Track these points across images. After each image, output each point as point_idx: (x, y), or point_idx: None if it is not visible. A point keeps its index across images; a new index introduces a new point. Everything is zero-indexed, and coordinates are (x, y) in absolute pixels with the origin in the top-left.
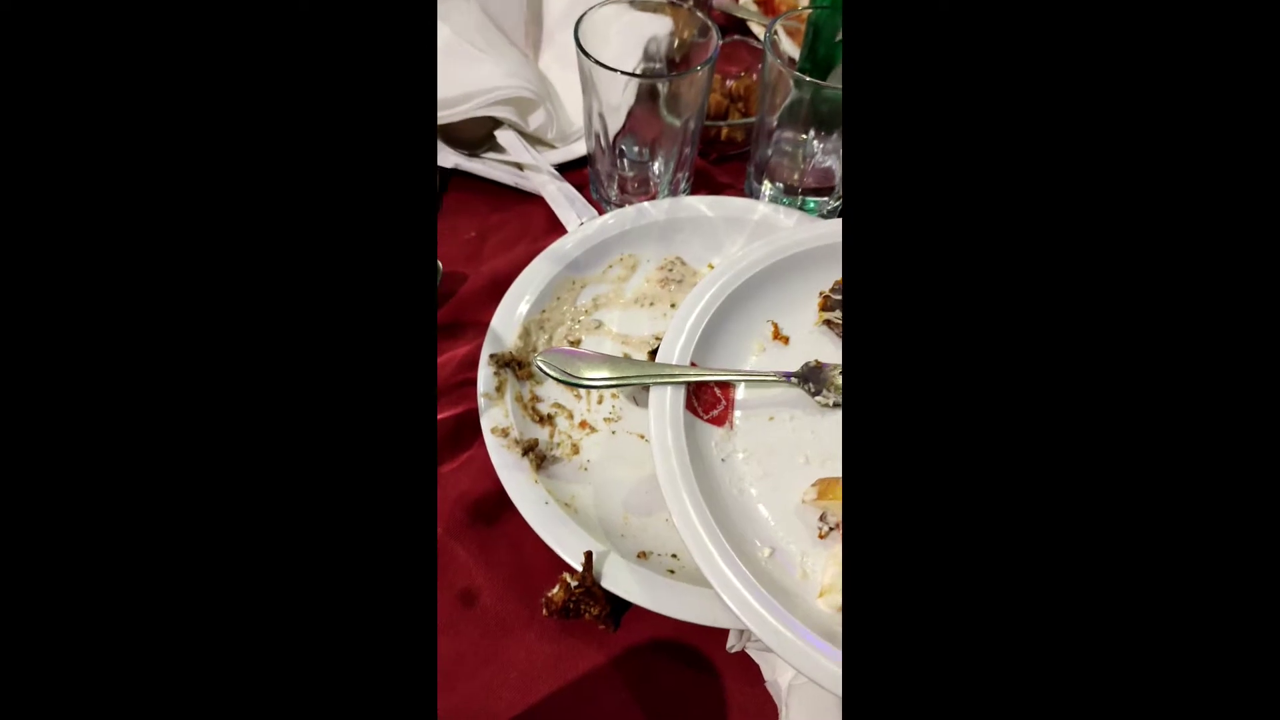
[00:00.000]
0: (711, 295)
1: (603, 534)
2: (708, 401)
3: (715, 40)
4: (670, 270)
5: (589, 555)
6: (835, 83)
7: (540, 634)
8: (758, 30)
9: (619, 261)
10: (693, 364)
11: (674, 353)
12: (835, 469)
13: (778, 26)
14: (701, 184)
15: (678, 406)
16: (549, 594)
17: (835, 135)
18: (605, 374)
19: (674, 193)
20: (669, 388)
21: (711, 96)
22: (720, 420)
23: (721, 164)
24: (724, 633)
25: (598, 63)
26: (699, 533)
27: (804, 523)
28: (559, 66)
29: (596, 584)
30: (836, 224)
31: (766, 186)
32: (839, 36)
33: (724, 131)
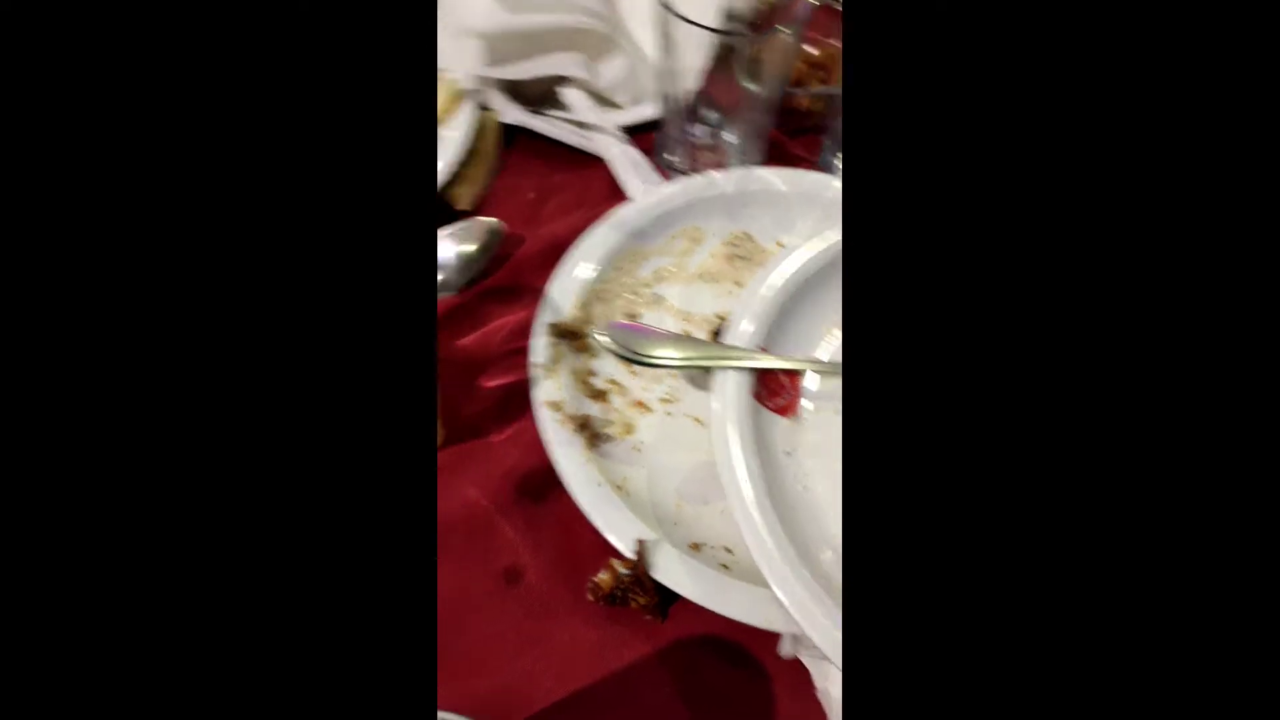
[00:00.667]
0: (788, 277)
1: (655, 521)
2: (774, 389)
3: (803, 1)
4: (737, 246)
5: (642, 544)
6: None
7: (585, 619)
8: None
9: (683, 233)
10: (761, 349)
11: (743, 335)
12: None
13: None
14: (775, 156)
15: (742, 393)
16: (596, 578)
17: None
18: (669, 352)
19: (746, 164)
20: (735, 372)
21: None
22: (786, 410)
23: (798, 136)
24: (776, 635)
25: (677, 14)
26: (759, 528)
27: None
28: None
29: (647, 573)
30: None
31: (840, 161)
32: None
33: (805, 101)
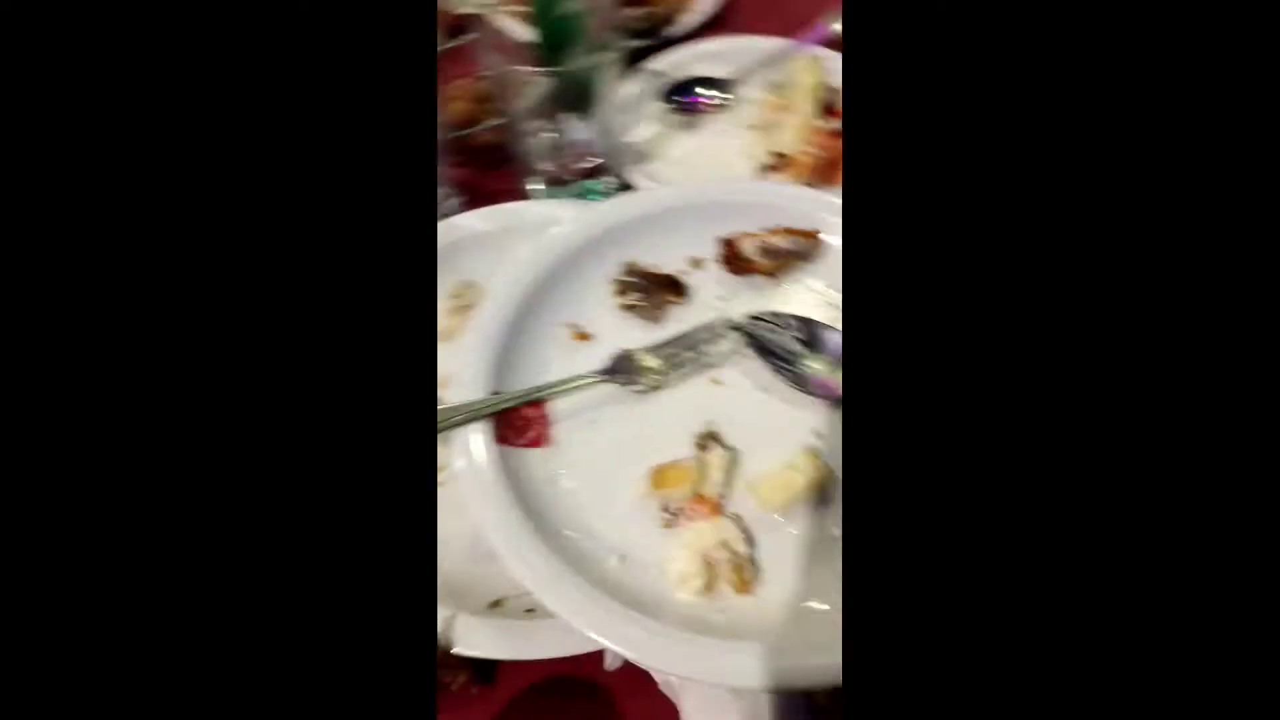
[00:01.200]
0: (493, 314)
1: (446, 597)
2: (518, 427)
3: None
4: (460, 297)
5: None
6: (570, 62)
7: None
8: (509, 25)
9: None
10: (494, 392)
11: (468, 388)
12: (665, 456)
13: (494, 13)
14: (477, 198)
15: (485, 443)
16: None
17: (587, 113)
18: None
19: (443, 215)
20: (470, 427)
21: (456, 104)
22: (537, 441)
23: (493, 171)
24: (598, 654)
25: None
26: (536, 569)
27: (647, 517)
28: None
29: (448, 653)
30: (606, 207)
31: (537, 184)
32: (563, 12)
33: (485, 136)
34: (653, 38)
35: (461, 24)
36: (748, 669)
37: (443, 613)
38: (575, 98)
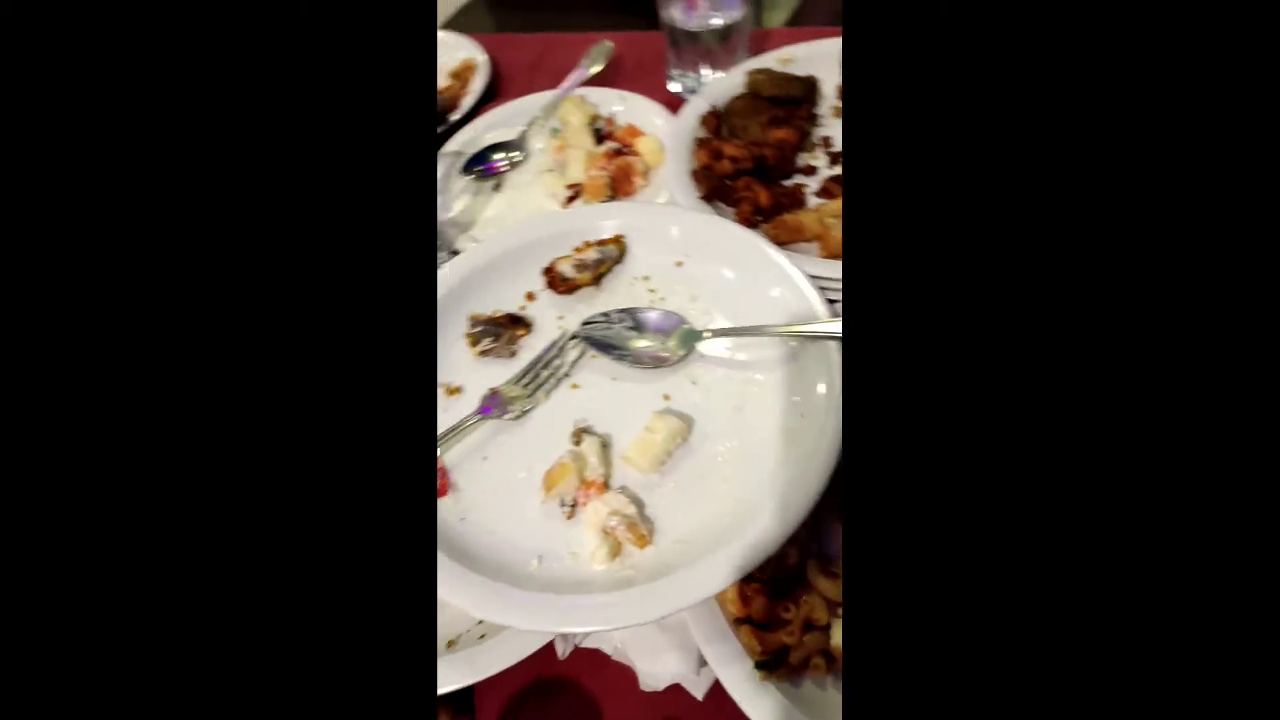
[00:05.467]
0: None
1: None
2: None
3: None
4: None
5: None
6: None
7: None
8: None
9: None
10: None
11: None
12: (552, 460)
13: None
14: None
15: None
16: None
17: None
18: None
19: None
20: None
21: None
22: (442, 491)
23: None
24: (552, 653)
25: None
26: (473, 595)
27: (552, 518)
28: None
29: None
30: (443, 273)
31: None
32: None
33: None
34: (442, 125)
35: None
36: (661, 602)
37: None
38: None
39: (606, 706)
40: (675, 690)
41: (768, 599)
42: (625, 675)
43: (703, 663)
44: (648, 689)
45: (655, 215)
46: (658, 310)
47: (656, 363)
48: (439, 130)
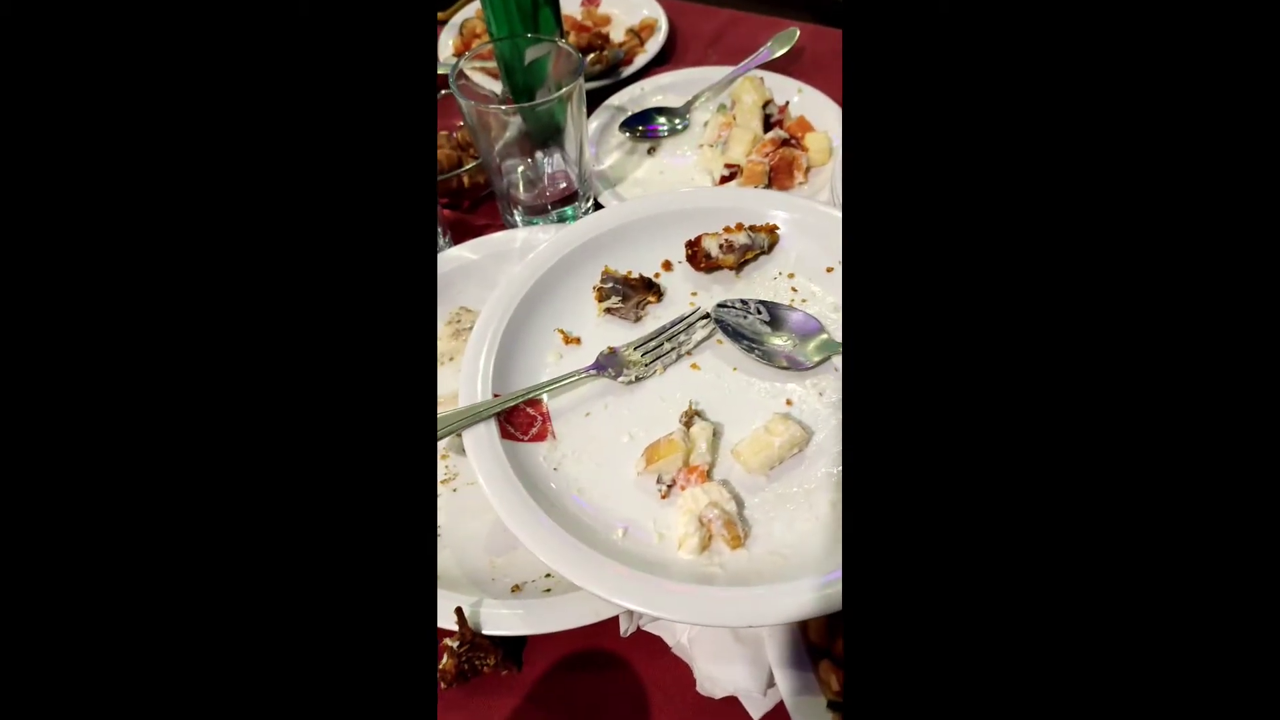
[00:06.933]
0: (492, 327)
1: (471, 587)
2: (523, 424)
3: None
4: (458, 321)
5: (459, 611)
6: (538, 104)
7: (446, 708)
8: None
9: None
10: (495, 395)
11: (473, 392)
12: (655, 434)
13: (466, 68)
14: (463, 233)
15: (493, 439)
16: (439, 667)
17: (555, 145)
18: None
19: (436, 251)
20: (478, 426)
21: (440, 152)
22: (541, 436)
23: (476, 209)
24: (616, 626)
25: None
26: (551, 546)
27: (645, 492)
28: None
29: (479, 635)
30: (581, 225)
31: (518, 214)
32: (529, 60)
33: (465, 179)
34: (611, 77)
35: (437, 82)
36: (744, 610)
37: (469, 599)
38: (545, 135)
39: (655, 700)
40: (731, 703)
41: None
42: (682, 672)
43: (770, 683)
44: (703, 693)
45: (821, 215)
46: (800, 311)
47: (788, 364)
48: (607, 83)
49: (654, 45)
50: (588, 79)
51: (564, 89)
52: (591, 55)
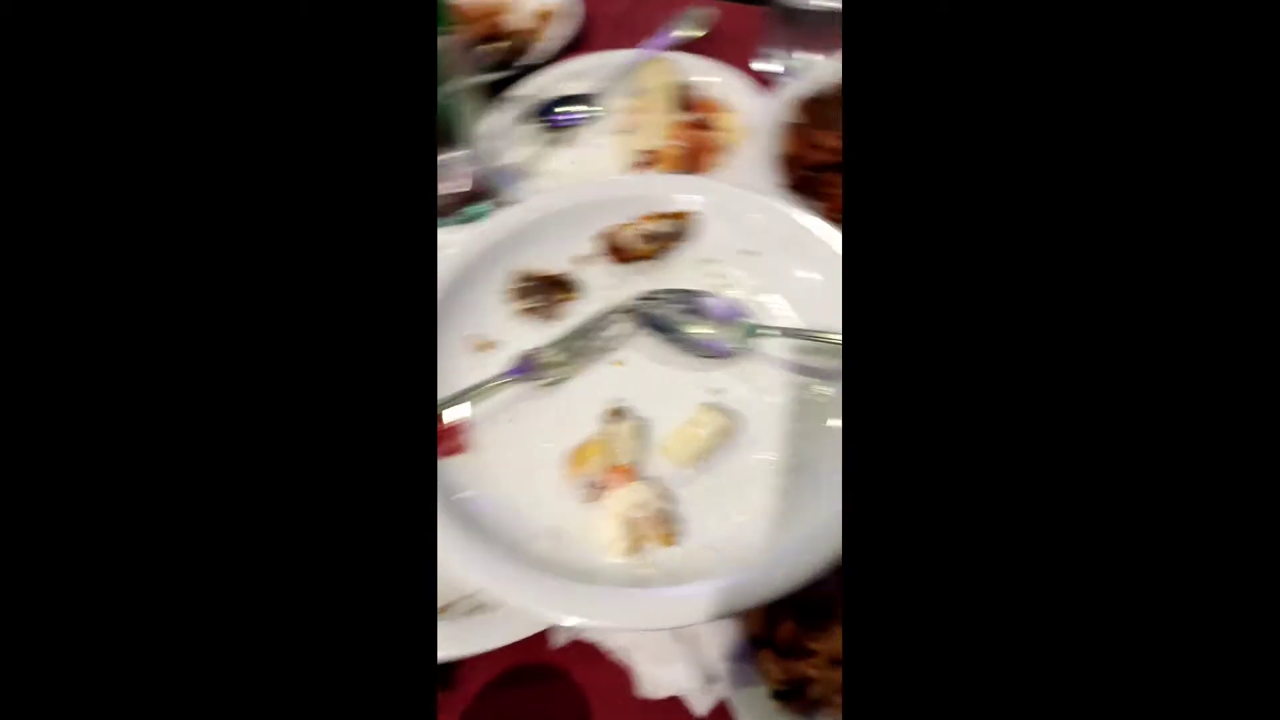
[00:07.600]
0: None
1: None
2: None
3: None
4: None
5: None
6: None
7: None
8: None
9: None
10: None
11: None
12: (580, 436)
13: None
14: None
15: None
16: None
17: (458, 143)
18: None
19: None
20: None
21: None
22: (458, 449)
23: None
24: (545, 637)
25: None
26: (474, 566)
27: (572, 497)
28: None
29: None
30: (489, 224)
31: None
32: None
33: None
34: (512, 68)
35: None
36: (680, 610)
37: None
38: (444, 131)
39: (596, 706)
40: (674, 702)
41: (796, 624)
42: (621, 675)
43: (713, 678)
44: (645, 695)
45: (739, 198)
46: (720, 298)
47: (712, 353)
48: (509, 74)
49: (562, 29)
50: (487, 70)
51: (458, 82)
52: (488, 45)
